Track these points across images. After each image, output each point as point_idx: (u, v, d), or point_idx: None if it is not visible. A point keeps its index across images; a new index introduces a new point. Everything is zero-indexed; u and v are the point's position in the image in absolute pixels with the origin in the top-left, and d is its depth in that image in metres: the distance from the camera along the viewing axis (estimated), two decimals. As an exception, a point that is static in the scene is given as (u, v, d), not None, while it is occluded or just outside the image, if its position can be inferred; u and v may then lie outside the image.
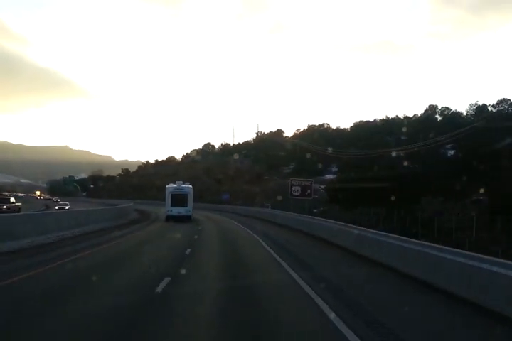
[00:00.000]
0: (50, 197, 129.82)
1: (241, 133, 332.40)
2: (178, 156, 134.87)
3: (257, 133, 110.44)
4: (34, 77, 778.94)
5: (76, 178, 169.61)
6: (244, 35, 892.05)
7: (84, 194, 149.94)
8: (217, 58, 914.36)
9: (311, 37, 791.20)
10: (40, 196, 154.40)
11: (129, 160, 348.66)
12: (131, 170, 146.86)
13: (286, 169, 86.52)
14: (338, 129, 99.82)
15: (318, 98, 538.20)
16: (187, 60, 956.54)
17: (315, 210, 50.66)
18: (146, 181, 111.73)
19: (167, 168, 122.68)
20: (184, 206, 38.80)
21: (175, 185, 41.02)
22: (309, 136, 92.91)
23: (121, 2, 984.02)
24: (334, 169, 78.75)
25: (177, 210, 38.47)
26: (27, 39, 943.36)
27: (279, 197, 52.85)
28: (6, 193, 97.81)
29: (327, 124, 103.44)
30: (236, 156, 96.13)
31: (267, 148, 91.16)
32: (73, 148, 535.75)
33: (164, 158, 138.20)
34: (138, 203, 70.99)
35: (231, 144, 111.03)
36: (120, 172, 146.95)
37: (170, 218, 38.31)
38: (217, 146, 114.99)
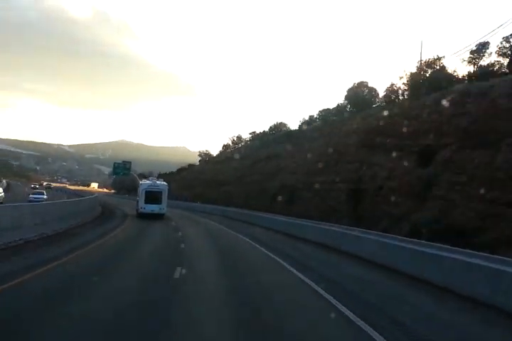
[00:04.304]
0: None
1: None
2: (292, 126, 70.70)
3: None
4: (155, 80, 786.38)
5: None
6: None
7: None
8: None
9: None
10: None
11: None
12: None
13: None
14: None
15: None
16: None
17: None
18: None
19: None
20: (158, 203, 37.31)
21: (149, 182, 40.20)
22: None
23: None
24: None
25: (150, 208, 37.03)
26: (149, 40, 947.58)
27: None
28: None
29: None
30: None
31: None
32: (191, 150, 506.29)
33: (265, 130, 74.75)
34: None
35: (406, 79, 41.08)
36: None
37: (142, 215, 36.61)
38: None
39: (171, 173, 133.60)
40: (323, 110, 64.10)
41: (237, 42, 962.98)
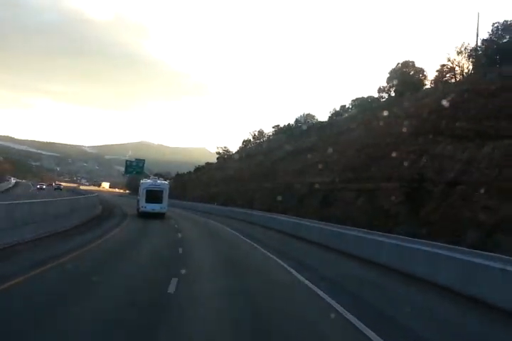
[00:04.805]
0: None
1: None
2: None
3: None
4: (172, 80, 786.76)
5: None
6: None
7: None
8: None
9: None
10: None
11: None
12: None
13: None
14: None
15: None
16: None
17: None
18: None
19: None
20: (159, 202, 37.10)
21: (150, 181, 39.90)
22: None
23: None
24: None
25: (151, 207, 36.70)
26: (163, 40, 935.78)
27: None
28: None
29: None
30: None
31: None
32: (211, 151, 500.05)
33: (290, 122, 66.84)
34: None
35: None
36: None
37: (143, 214, 36.14)
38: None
39: (189, 173, 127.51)
40: (357, 99, 56.20)
41: (255, 31, 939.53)
